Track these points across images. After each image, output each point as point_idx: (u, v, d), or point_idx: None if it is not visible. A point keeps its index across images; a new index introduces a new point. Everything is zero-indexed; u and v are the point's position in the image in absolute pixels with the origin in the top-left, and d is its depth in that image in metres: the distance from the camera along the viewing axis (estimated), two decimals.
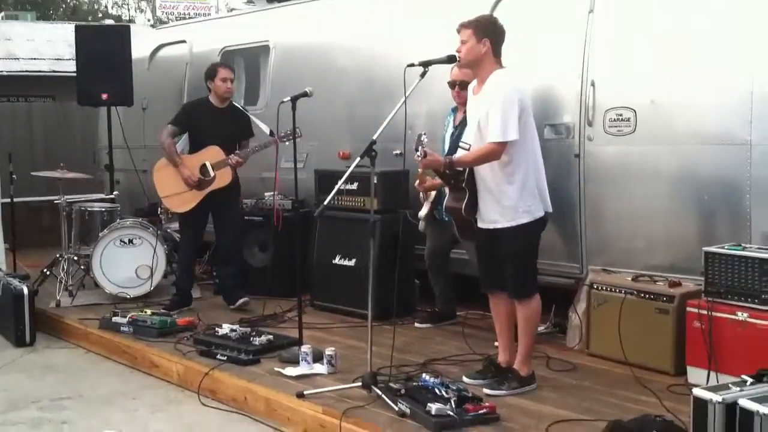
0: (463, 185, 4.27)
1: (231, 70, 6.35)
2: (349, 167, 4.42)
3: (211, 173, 6.13)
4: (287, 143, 6.00)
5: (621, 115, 5.06)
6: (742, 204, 4.55)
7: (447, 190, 4.53)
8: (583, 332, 4.92)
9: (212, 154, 6.14)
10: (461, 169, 4.27)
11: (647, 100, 4.94)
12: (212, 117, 6.25)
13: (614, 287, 4.70)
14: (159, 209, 6.89)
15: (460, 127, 4.95)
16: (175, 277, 6.67)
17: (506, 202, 4.17)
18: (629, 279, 4.73)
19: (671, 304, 4.44)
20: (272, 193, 6.56)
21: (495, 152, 4.11)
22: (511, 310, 4.37)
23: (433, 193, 5.44)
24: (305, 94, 5.14)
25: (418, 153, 4.14)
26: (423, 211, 5.50)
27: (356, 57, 6.82)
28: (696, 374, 4.23)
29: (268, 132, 6.09)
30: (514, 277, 4.25)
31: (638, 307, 4.55)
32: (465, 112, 4.64)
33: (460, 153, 4.37)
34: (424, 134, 4.19)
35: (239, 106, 6.44)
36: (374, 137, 4.25)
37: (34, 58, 13.44)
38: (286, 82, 7.09)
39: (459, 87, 5.19)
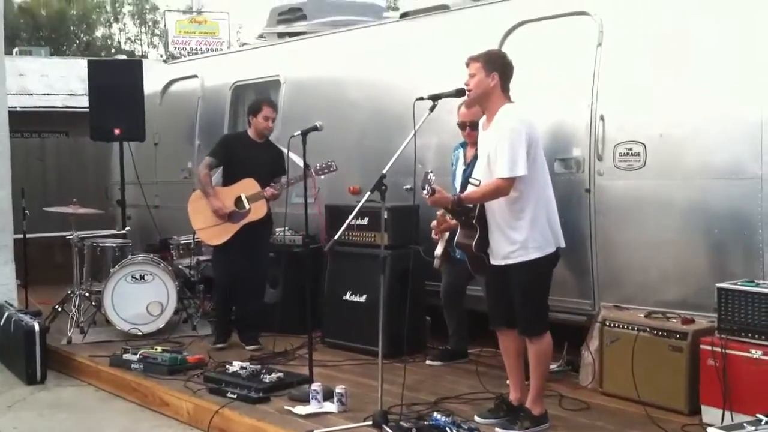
0: (474, 222, 4.26)
1: (275, 109, 6.37)
2: (359, 202, 4.42)
3: (246, 206, 6.11)
4: (322, 177, 6.05)
5: (631, 149, 5.05)
6: (754, 239, 4.52)
7: (458, 226, 4.52)
8: (596, 370, 4.87)
9: (247, 186, 6.13)
10: (471, 205, 4.26)
11: (656, 133, 4.94)
12: (249, 151, 6.25)
13: (627, 324, 4.66)
14: (176, 244, 6.81)
15: (473, 163, 4.94)
16: (214, 314, 6.60)
17: (516, 238, 4.15)
18: (642, 316, 4.69)
19: (684, 341, 4.39)
20: (283, 228, 6.59)
21: (503, 188, 4.10)
22: (520, 347, 4.33)
23: (439, 250, 5.44)
24: (315, 128, 5.16)
25: (426, 191, 4.13)
26: (438, 249, 5.47)
27: (366, 90, 6.86)
28: (710, 413, 4.18)
29: (302, 165, 6.09)
30: (525, 314, 4.21)
31: (651, 345, 4.50)
32: (477, 149, 4.64)
33: (469, 189, 4.36)
34: (431, 172, 4.18)
35: (274, 143, 6.44)
36: (384, 171, 4.25)
37: (48, 94, 13.59)
38: (296, 116, 7.13)
39: (470, 127, 5.20)
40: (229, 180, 6.28)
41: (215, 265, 6.58)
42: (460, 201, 4.23)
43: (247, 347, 6.21)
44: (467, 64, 4.29)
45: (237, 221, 6.12)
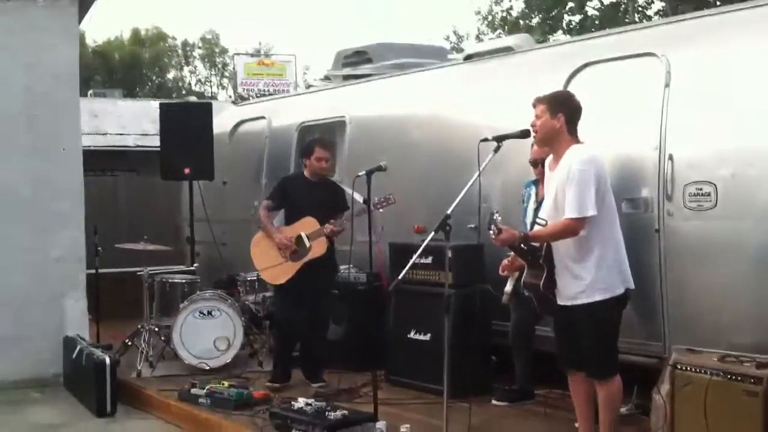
0: (541, 261, 4.24)
1: (327, 149, 6.41)
2: (423, 241, 4.45)
3: (307, 244, 6.16)
4: (381, 210, 6.09)
5: (701, 189, 4.97)
6: None
7: (525, 266, 4.50)
8: (667, 415, 4.75)
9: (307, 225, 6.19)
10: (538, 245, 4.25)
11: (728, 173, 4.85)
12: (307, 190, 6.32)
13: (699, 368, 4.53)
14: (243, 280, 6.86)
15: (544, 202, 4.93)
16: (276, 352, 6.59)
17: (583, 279, 4.12)
18: (715, 359, 4.57)
19: (759, 386, 4.25)
20: (348, 266, 6.63)
21: (573, 228, 4.07)
22: (589, 389, 4.27)
23: (508, 289, 5.41)
24: (380, 168, 5.22)
25: (492, 231, 4.13)
26: (508, 286, 5.44)
27: (430, 130, 6.91)
28: None
29: (361, 201, 6.14)
30: (593, 357, 4.16)
31: (725, 389, 4.37)
32: None
33: (536, 228, 4.35)
34: (497, 212, 4.19)
35: (334, 181, 6.50)
36: (448, 211, 4.28)
37: (120, 134, 13.97)
38: (361, 156, 7.22)
39: (542, 165, 5.19)
40: (289, 221, 6.36)
41: (276, 305, 6.64)
42: (527, 239, 4.22)
43: (313, 384, 6.23)
44: (534, 105, 4.31)
45: (298, 260, 6.18)
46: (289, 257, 6.21)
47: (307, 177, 6.40)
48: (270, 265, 6.28)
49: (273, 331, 6.78)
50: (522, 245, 4.25)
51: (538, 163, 5.26)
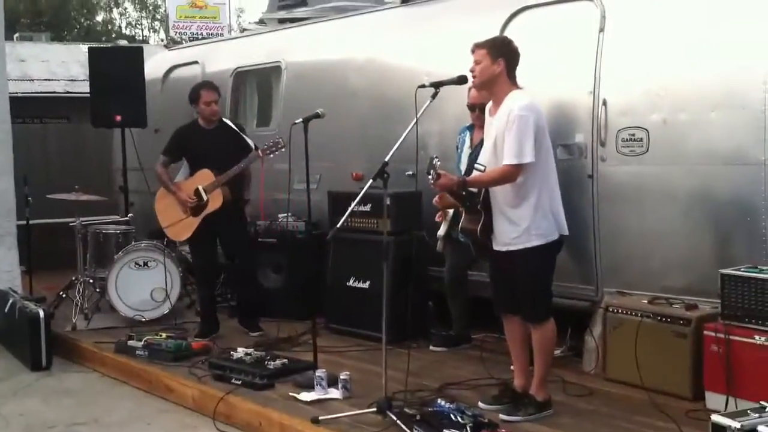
0: (479, 207, 4.26)
1: (214, 91, 6.27)
2: (362, 188, 4.42)
3: (204, 197, 6.09)
4: (272, 156, 6.03)
5: (633, 135, 5.04)
6: (757, 225, 4.51)
7: (462, 211, 4.52)
8: (599, 356, 4.88)
9: (203, 177, 6.12)
10: (476, 190, 4.27)
11: (659, 119, 4.93)
12: (202, 139, 6.21)
13: (630, 310, 4.67)
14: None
15: (479, 147, 4.94)
16: (198, 306, 6.64)
17: (519, 224, 4.16)
18: (645, 302, 4.70)
19: (688, 327, 4.40)
20: (286, 214, 6.59)
21: (510, 174, 4.10)
22: (525, 333, 4.35)
23: (450, 212, 5.43)
24: (317, 116, 5.13)
25: (431, 176, 4.13)
26: (441, 231, 5.49)
27: (368, 77, 6.83)
28: (714, 399, 4.19)
29: (252, 146, 6.10)
30: (528, 301, 4.23)
31: (655, 331, 4.52)
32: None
33: (474, 174, 4.36)
34: (436, 157, 4.19)
35: (229, 122, 6.37)
36: (386, 159, 4.26)
37: (48, 79, 13.53)
38: (298, 103, 7.11)
39: (479, 110, 5.18)
40: (193, 172, 6.27)
41: (192, 258, 6.63)
42: (465, 184, 4.23)
43: (251, 333, 6.23)
44: (472, 51, 4.28)
45: (198, 214, 6.13)
46: (190, 212, 6.15)
47: (201, 125, 6.29)
48: (172, 221, 6.25)
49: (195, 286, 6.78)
50: (461, 191, 4.25)
51: (475, 108, 5.25)
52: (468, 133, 5.50)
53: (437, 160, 4.16)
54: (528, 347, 4.37)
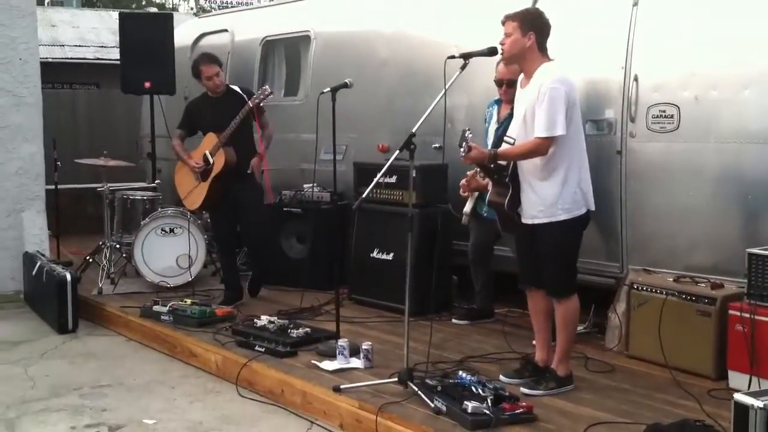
0: (507, 180, 4.24)
1: (214, 63, 6.24)
2: (388, 160, 4.42)
3: (210, 160, 6.15)
4: (261, 104, 6.03)
5: (664, 111, 4.98)
6: None
7: (490, 184, 4.50)
8: (622, 333, 4.86)
9: (208, 141, 6.20)
10: (504, 163, 4.24)
11: (691, 96, 4.86)
12: (210, 108, 6.26)
13: (655, 288, 4.63)
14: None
15: (506, 122, 4.90)
16: (221, 274, 6.70)
17: (546, 198, 4.13)
18: (670, 280, 4.66)
19: (713, 306, 4.36)
20: (311, 185, 6.60)
21: (541, 147, 4.07)
22: (548, 307, 4.33)
23: (468, 208, 5.43)
24: (345, 86, 5.12)
25: (463, 149, 4.11)
26: (467, 207, 5.47)
27: (397, 48, 6.79)
28: (737, 379, 4.17)
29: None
30: (552, 275, 4.21)
31: (679, 309, 4.49)
32: (511, 108, 4.59)
33: (504, 147, 4.33)
34: (468, 130, 4.15)
35: (236, 88, 6.35)
36: (413, 130, 4.23)
37: (79, 45, 13.61)
38: (326, 73, 7.10)
39: (506, 85, 5.14)
40: None
41: (212, 228, 6.69)
42: (496, 157, 4.20)
43: (252, 297, 6.38)
44: (503, 23, 4.23)
45: (206, 179, 6.18)
46: (200, 178, 6.21)
47: (209, 95, 6.33)
48: (187, 191, 6.33)
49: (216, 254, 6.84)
50: (491, 164, 4.23)
51: (503, 83, 5.21)
52: (495, 108, 5.46)
53: (469, 132, 4.13)
54: (551, 322, 4.36)
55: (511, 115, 4.54)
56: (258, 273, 6.54)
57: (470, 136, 4.10)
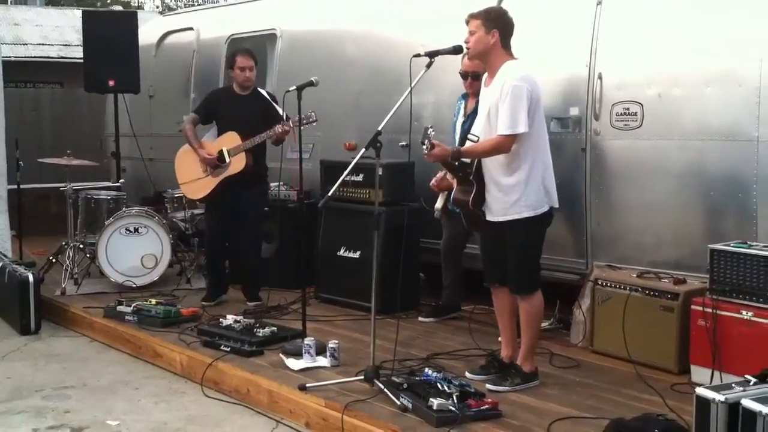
0: (471, 178, 4.24)
1: (250, 57, 6.23)
2: (354, 158, 4.40)
3: (227, 159, 6.07)
4: (301, 128, 5.96)
5: (628, 109, 5.03)
6: (748, 201, 4.52)
7: (455, 181, 4.50)
8: (587, 329, 4.90)
9: (229, 140, 6.08)
10: (469, 161, 4.25)
11: (654, 93, 4.91)
12: (233, 104, 6.18)
13: (619, 284, 4.68)
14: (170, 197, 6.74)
15: (472, 116, 4.92)
16: (205, 269, 6.60)
17: (510, 196, 4.15)
18: (634, 276, 4.71)
19: (676, 301, 4.41)
20: (278, 183, 6.56)
21: (503, 145, 4.08)
22: (513, 304, 4.35)
23: (439, 204, 5.44)
24: (311, 84, 5.10)
25: (426, 146, 4.11)
26: (438, 203, 5.47)
27: (363, 46, 6.79)
28: (700, 373, 4.22)
29: (284, 117, 6.02)
30: (516, 272, 4.23)
31: (643, 305, 4.53)
32: (477, 102, 4.60)
33: (468, 144, 4.34)
34: (431, 127, 4.16)
35: (263, 91, 6.29)
36: (379, 128, 4.23)
37: (42, 44, 13.43)
38: (292, 71, 7.08)
39: (471, 78, 5.16)
40: (219, 135, 6.23)
41: (206, 221, 6.59)
42: (459, 154, 4.21)
43: (249, 303, 6.22)
44: (467, 22, 4.25)
45: (218, 175, 6.10)
46: (210, 172, 6.12)
47: (235, 90, 6.25)
48: (191, 179, 6.21)
49: (203, 248, 6.73)
50: (454, 161, 4.24)
51: (468, 75, 5.22)
52: (463, 102, 5.47)
53: (431, 130, 4.13)
54: (515, 319, 4.38)
55: (477, 110, 4.55)
56: (259, 275, 6.37)
57: (432, 133, 4.11)
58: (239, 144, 6.01)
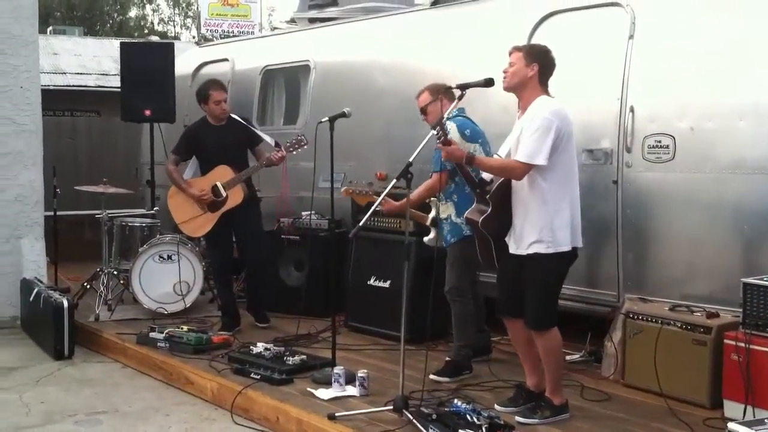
0: (488, 197, 4.23)
1: (223, 90, 6.29)
2: (385, 188, 4.42)
3: (223, 193, 6.12)
4: (294, 153, 6.04)
5: (660, 141, 5.02)
6: None
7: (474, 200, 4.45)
8: (618, 362, 4.86)
9: (221, 173, 6.15)
10: (489, 179, 4.27)
11: (687, 126, 4.90)
12: (214, 136, 6.24)
13: (651, 317, 4.64)
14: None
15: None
16: (218, 301, 6.70)
17: (536, 230, 4.12)
18: (666, 309, 4.67)
19: (708, 335, 4.37)
20: (309, 212, 6.62)
21: (516, 170, 4.09)
22: (529, 336, 4.28)
23: (430, 216, 5.34)
24: (343, 115, 5.16)
25: (438, 134, 4.10)
26: (426, 238, 5.39)
27: (395, 77, 6.85)
28: (732, 408, 4.16)
29: (273, 144, 6.10)
30: (533, 308, 4.18)
31: (675, 338, 4.49)
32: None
33: (483, 156, 4.35)
34: (448, 119, 4.16)
35: (237, 117, 6.35)
36: (411, 159, 4.26)
37: (80, 73, 13.68)
38: (325, 102, 7.16)
39: (421, 112, 5.21)
40: (204, 171, 6.31)
41: (209, 254, 6.69)
42: (471, 160, 4.21)
43: (259, 325, 6.35)
44: (510, 53, 4.29)
45: (216, 210, 6.17)
46: (207, 209, 6.19)
47: (210, 122, 6.31)
48: (188, 218, 6.29)
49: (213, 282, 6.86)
50: (466, 165, 4.25)
51: (424, 112, 5.22)
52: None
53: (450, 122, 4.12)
54: (534, 346, 4.31)
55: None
56: (260, 296, 6.51)
57: (449, 124, 4.10)
58: (234, 177, 6.09)
